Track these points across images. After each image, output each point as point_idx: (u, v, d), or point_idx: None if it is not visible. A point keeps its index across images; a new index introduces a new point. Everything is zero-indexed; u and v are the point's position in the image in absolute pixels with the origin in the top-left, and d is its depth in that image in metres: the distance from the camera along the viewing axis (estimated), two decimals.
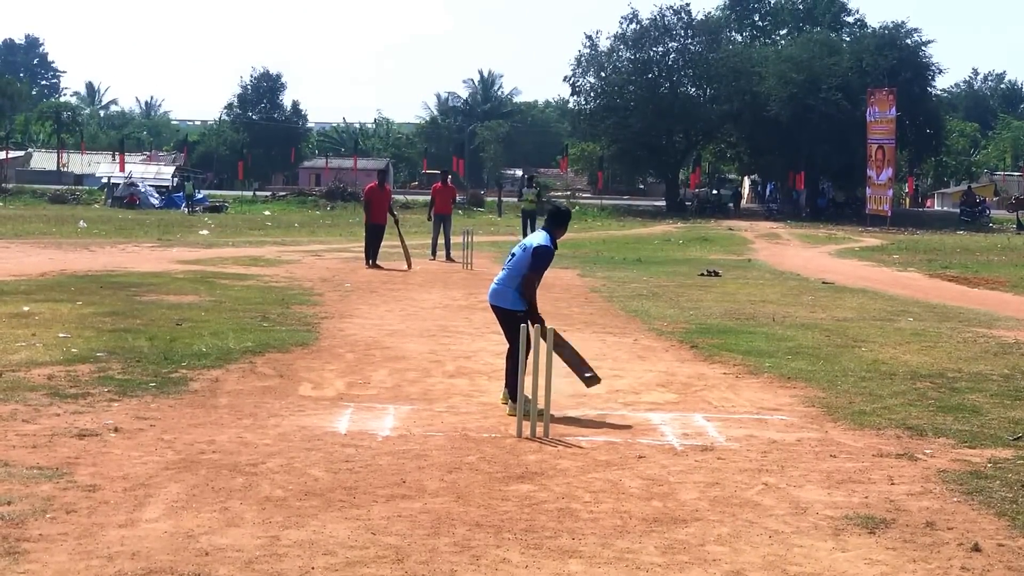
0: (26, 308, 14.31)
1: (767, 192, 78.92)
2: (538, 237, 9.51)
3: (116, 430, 8.03)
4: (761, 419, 9.22)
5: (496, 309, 9.58)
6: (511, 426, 8.50)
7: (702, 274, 23.65)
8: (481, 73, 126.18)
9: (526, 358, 8.59)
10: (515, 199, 34.17)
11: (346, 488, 6.80)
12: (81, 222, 39.89)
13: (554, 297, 17.50)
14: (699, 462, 7.71)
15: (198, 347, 11.70)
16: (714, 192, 78.92)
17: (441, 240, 26.65)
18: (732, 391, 10.45)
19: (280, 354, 11.68)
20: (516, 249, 9.64)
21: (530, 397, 8.48)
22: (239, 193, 75.65)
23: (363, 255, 24.37)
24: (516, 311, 9.32)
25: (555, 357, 8.72)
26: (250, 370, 10.71)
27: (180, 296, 16.53)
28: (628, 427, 8.80)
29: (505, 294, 9.45)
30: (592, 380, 9.48)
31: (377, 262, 23.90)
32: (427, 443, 8.05)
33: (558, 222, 9.67)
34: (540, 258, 9.33)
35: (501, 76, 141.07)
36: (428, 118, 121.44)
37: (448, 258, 26.13)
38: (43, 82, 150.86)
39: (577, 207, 58.47)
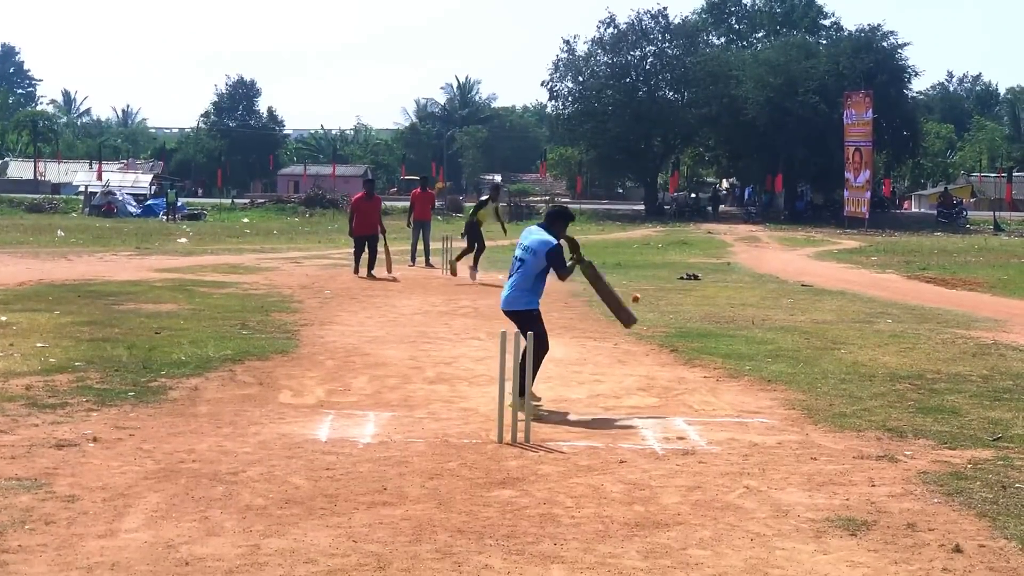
0: (3, 318, 14.22)
1: (745, 195, 79.15)
2: (543, 235, 9.68)
3: (95, 440, 7.98)
4: (742, 422, 9.23)
5: (512, 314, 9.74)
6: (492, 432, 8.49)
7: (681, 278, 23.67)
8: (459, 79, 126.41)
9: (534, 362, 8.87)
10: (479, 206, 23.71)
11: (327, 496, 6.78)
12: (59, 231, 39.73)
13: None
14: (680, 466, 7.72)
15: (177, 356, 11.65)
16: (692, 196, 79.09)
17: (420, 246, 26.61)
18: (713, 394, 10.47)
19: (260, 362, 11.64)
20: (521, 254, 9.73)
21: (539, 399, 9.12)
22: (217, 201, 75.47)
23: (353, 264, 23.56)
24: (531, 310, 9.67)
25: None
26: (230, 378, 10.67)
27: (159, 305, 16.46)
28: (609, 432, 8.80)
29: (519, 298, 9.69)
30: (630, 320, 10.54)
31: (372, 272, 22.95)
32: (408, 450, 8.03)
33: (564, 220, 9.99)
34: (556, 257, 9.59)
35: (479, 82, 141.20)
36: (407, 124, 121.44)
37: (427, 264, 26.10)
38: (19, 91, 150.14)
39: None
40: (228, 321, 14.76)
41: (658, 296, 19.51)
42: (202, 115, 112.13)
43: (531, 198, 77.94)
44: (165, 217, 57.40)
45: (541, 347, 9.45)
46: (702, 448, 8.28)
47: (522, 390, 8.74)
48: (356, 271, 23.23)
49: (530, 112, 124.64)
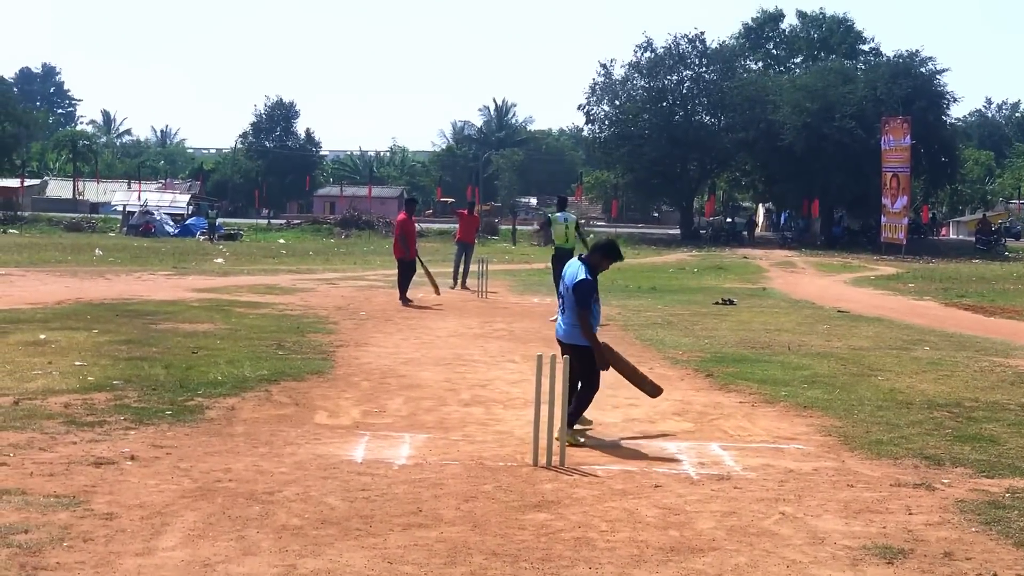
0: (42, 336, 14.35)
1: (782, 220, 78.88)
2: (577, 268, 9.46)
3: (132, 458, 8.04)
4: (777, 448, 9.19)
5: (570, 347, 9.40)
6: (527, 455, 8.49)
7: (717, 303, 23.60)
8: (495, 101, 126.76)
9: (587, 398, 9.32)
10: (539, 239, 21.10)
11: (362, 517, 6.79)
12: (97, 250, 40.05)
13: None
14: (716, 491, 7.69)
15: (214, 375, 11.72)
16: (728, 220, 78.90)
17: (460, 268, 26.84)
18: (748, 420, 10.43)
19: (296, 382, 11.69)
20: (562, 289, 9.69)
21: (590, 422, 9.38)
22: (254, 221, 75.96)
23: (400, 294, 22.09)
24: (588, 347, 9.42)
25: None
26: (266, 398, 10.72)
27: (196, 324, 16.56)
28: (644, 456, 8.79)
29: (577, 333, 9.41)
30: (655, 391, 9.82)
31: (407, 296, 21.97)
32: (443, 472, 8.04)
33: (604, 253, 9.61)
34: (582, 292, 9.27)
35: (515, 104, 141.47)
36: (443, 146, 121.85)
37: (464, 286, 26.20)
38: (59, 111, 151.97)
39: (591, 236, 58.61)
40: (264, 341, 14.83)
41: (694, 321, 19.46)
42: (240, 136, 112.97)
43: None
44: (204, 237, 57.82)
45: (594, 386, 9.50)
46: (737, 474, 8.24)
47: (570, 421, 8.88)
48: (406, 302, 21.70)
49: (566, 135, 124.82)
